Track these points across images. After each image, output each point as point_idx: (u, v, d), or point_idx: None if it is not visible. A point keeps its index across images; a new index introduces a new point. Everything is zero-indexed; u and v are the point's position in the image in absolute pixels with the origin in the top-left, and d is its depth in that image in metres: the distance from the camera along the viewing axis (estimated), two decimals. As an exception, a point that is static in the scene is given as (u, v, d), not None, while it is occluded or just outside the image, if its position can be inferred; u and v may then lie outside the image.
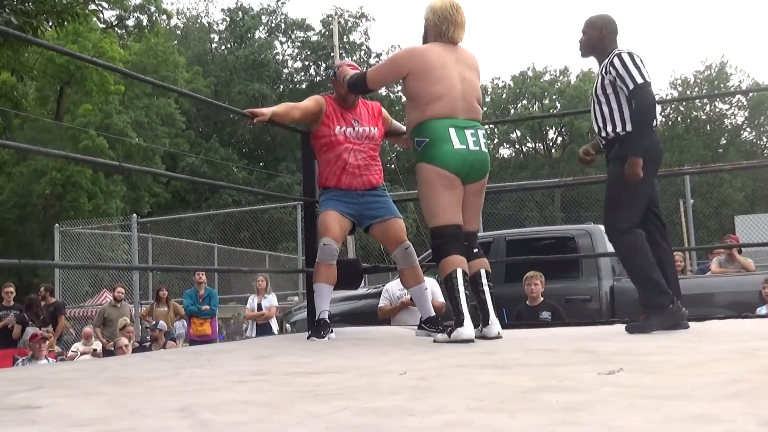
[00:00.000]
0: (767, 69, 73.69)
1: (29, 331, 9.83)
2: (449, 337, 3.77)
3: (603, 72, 4.02)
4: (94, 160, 4.96)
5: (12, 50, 8.12)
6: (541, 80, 47.86)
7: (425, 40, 4.24)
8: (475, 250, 4.10)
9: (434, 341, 3.87)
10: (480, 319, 4.00)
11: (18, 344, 9.84)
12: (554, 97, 47.63)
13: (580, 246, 6.87)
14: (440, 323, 4.36)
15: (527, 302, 6.59)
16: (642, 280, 3.88)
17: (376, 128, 4.65)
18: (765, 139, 46.69)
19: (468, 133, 3.96)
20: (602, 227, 7.15)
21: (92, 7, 8.69)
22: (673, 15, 70.15)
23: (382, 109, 4.89)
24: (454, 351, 3.26)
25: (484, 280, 4.02)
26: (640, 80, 3.85)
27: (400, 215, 4.58)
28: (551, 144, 48.67)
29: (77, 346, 11.63)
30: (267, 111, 4.50)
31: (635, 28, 69.51)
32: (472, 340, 3.71)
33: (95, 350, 11.24)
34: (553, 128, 46.68)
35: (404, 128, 4.80)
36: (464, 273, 3.86)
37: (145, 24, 27.90)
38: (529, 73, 48.30)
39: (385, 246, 4.58)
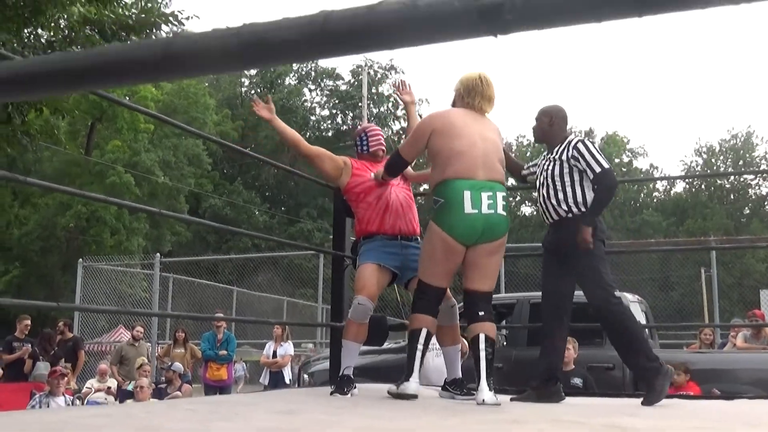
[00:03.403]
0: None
1: (39, 365, 9.81)
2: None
3: (562, 157, 4.25)
4: (134, 206, 5.03)
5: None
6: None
7: None
8: (481, 313, 4.01)
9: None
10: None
11: (29, 378, 9.81)
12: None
13: (605, 313, 6.81)
14: (465, 386, 4.32)
15: (558, 366, 6.51)
16: (640, 344, 4.02)
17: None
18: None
19: (485, 195, 3.97)
20: (627, 295, 7.16)
21: None
22: (700, 83, 70.47)
23: None
24: (482, 417, 3.22)
25: (482, 345, 3.93)
26: (606, 165, 4.16)
27: None
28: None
29: (92, 383, 11.59)
30: (272, 116, 4.56)
31: (662, 94, 69.85)
32: (415, 396, 3.94)
33: (109, 388, 11.20)
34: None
35: (422, 173, 4.92)
36: (429, 334, 4.05)
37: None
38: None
39: None
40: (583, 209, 4.15)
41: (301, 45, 0.85)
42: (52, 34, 7.61)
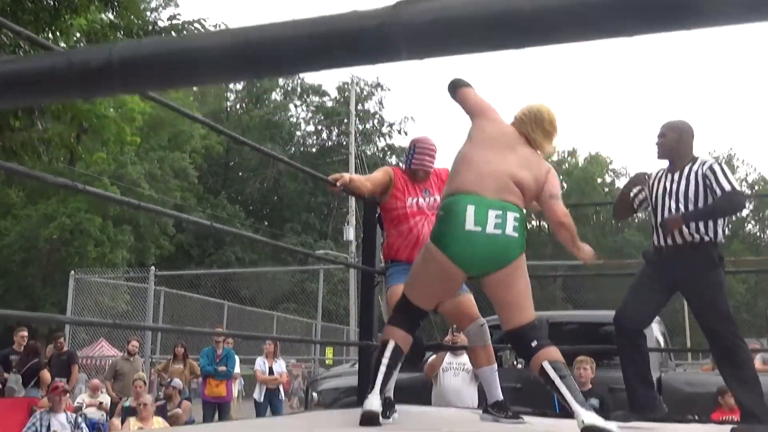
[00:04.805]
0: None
1: (11, 378, 9.51)
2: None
3: (697, 176, 4.04)
4: (185, 217, 4.83)
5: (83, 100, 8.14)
6: (549, 160, 47.82)
7: None
8: (534, 344, 3.48)
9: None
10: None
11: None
12: (561, 177, 47.96)
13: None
14: (508, 408, 4.20)
15: (576, 387, 6.41)
16: (756, 385, 3.83)
17: None
18: (768, 233, 47.01)
19: (492, 213, 3.45)
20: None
21: None
22: (683, 104, 71.26)
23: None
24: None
25: (551, 373, 3.37)
26: (738, 187, 4.00)
27: (470, 291, 4.43)
28: (556, 224, 48.70)
29: (83, 398, 11.34)
30: (347, 175, 4.42)
31: (645, 115, 70.51)
32: (376, 414, 3.54)
33: (101, 403, 10.96)
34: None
35: None
36: (398, 348, 3.63)
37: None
38: (538, 152, 48.54)
39: (456, 322, 4.45)
40: (710, 237, 3.95)
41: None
42: (78, 36, 7.49)
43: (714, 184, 3.97)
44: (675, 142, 4.16)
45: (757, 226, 47.06)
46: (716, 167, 4.01)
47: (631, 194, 4.40)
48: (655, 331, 6.77)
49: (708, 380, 6.28)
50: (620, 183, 46.90)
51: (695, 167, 4.07)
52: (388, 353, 3.62)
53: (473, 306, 4.31)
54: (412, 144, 4.65)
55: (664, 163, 4.28)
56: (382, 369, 3.61)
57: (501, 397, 4.27)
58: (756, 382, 3.78)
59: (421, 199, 4.47)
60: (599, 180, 46.61)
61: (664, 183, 4.16)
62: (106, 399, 10.92)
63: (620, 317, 4.17)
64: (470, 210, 3.44)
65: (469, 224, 3.42)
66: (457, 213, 3.45)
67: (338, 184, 4.34)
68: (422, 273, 3.62)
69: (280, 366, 10.85)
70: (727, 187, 3.92)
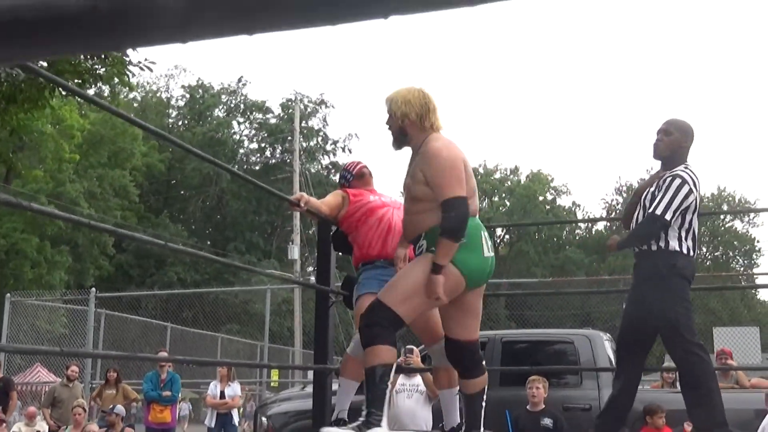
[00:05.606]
0: (711, 181, 76.81)
1: None
2: None
3: (659, 183, 3.91)
4: (142, 238, 4.62)
5: (23, 111, 7.88)
6: (492, 177, 48.69)
7: (405, 138, 3.80)
8: (483, 362, 3.79)
9: None
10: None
11: None
12: (503, 195, 48.49)
13: (579, 352, 6.72)
14: (463, 432, 4.11)
15: (528, 407, 6.36)
16: (713, 401, 3.71)
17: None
18: (704, 250, 48.09)
19: (486, 235, 3.64)
20: (602, 333, 7.10)
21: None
22: (621, 122, 72.91)
23: None
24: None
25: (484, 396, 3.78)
26: (663, 213, 3.78)
27: None
28: (498, 241, 49.17)
29: (19, 426, 10.89)
30: (306, 196, 4.32)
31: (585, 133, 71.87)
32: None
33: (38, 432, 10.54)
34: (501, 227, 47.34)
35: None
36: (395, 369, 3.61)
37: (106, 95, 27.55)
38: (480, 170, 49.07)
39: (420, 337, 4.29)
40: (660, 246, 3.80)
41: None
42: None
43: (656, 196, 3.84)
44: (678, 144, 3.97)
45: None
46: (668, 179, 3.85)
47: None
48: (607, 348, 6.79)
49: (660, 398, 6.30)
50: (561, 201, 47.68)
51: (669, 173, 3.90)
52: (391, 377, 3.51)
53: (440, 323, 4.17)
54: (343, 169, 4.82)
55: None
56: (388, 394, 3.51)
57: (459, 420, 4.18)
58: (709, 398, 3.66)
59: (383, 198, 4.46)
60: (541, 198, 47.21)
61: (648, 190, 4.02)
62: (43, 427, 10.50)
63: (621, 339, 4.09)
64: (484, 236, 3.60)
65: (486, 251, 3.58)
66: (478, 240, 3.55)
67: (302, 204, 4.22)
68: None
69: (233, 390, 10.57)
70: (651, 209, 3.81)
